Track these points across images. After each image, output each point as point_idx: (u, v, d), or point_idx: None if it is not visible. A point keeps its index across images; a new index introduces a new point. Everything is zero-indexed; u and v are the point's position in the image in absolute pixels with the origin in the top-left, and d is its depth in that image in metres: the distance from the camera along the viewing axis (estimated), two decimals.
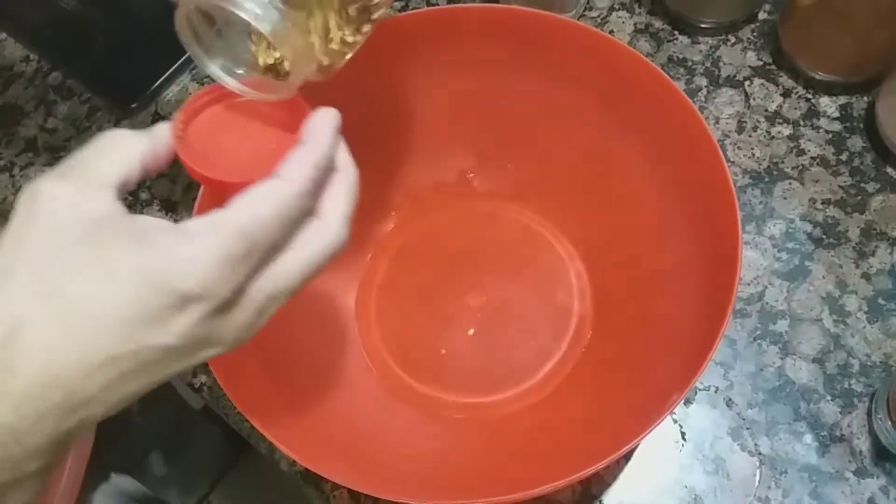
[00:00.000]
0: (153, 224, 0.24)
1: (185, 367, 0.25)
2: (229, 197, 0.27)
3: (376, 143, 0.45)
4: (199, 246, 0.23)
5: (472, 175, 0.49)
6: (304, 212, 0.26)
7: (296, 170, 0.25)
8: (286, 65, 0.29)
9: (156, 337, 0.23)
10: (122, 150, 0.26)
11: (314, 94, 0.42)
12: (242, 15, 0.26)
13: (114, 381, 0.23)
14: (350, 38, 0.31)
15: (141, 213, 0.51)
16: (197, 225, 0.24)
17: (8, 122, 0.56)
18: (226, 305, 0.24)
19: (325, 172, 0.26)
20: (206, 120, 0.29)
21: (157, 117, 0.55)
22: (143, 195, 0.52)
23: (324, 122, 0.27)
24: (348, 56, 0.32)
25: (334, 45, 0.31)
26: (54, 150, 0.55)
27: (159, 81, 0.55)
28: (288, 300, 0.26)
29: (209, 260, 0.23)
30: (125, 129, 0.27)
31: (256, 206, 0.24)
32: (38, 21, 0.60)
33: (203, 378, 0.47)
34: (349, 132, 0.45)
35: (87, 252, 0.23)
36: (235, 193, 0.26)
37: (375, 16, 0.32)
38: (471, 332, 0.46)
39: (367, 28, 0.32)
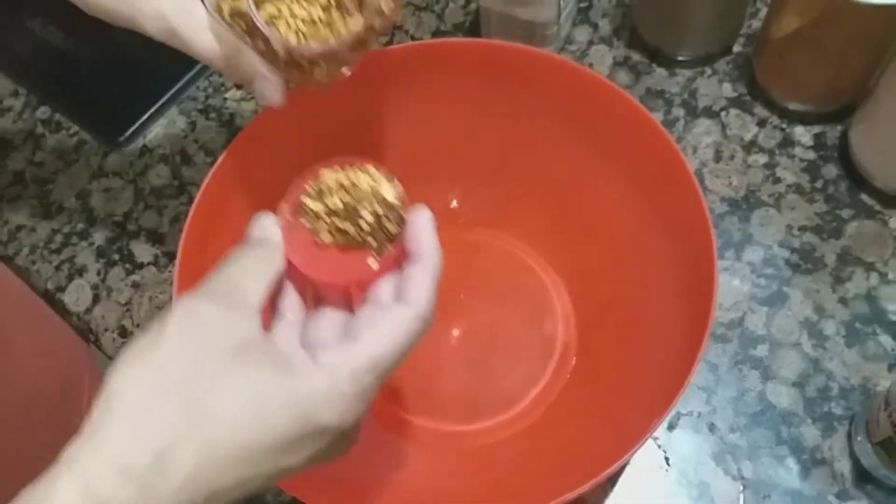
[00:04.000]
0: (292, 352, 0.26)
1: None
2: (333, 293, 0.29)
3: None
4: (338, 381, 0.25)
5: (456, 204, 0.50)
6: (414, 345, 0.27)
7: (420, 294, 0.27)
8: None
9: (287, 460, 0.24)
10: (265, 273, 0.27)
11: (303, 126, 0.43)
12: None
13: (235, 499, 0.24)
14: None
15: (128, 245, 0.52)
16: (334, 358, 0.25)
17: None
18: (350, 429, 0.26)
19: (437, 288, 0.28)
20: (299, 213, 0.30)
21: (145, 150, 0.55)
22: (131, 227, 0.53)
23: (429, 230, 0.28)
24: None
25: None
26: (42, 183, 0.55)
27: (147, 115, 0.56)
28: None
29: (346, 395, 0.25)
30: (264, 249, 0.28)
31: (388, 339, 0.26)
32: (27, 55, 0.61)
33: None
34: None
35: (239, 377, 0.24)
36: (337, 290, 0.29)
37: None
38: (457, 360, 0.46)
39: None
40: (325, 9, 0.31)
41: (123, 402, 0.23)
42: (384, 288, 0.28)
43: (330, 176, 0.30)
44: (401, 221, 0.29)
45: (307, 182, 0.30)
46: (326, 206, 0.29)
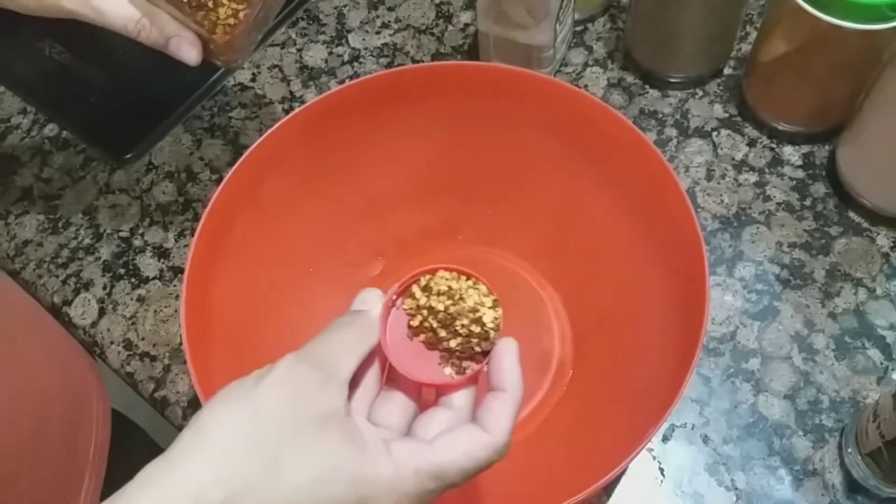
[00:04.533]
0: (368, 433, 0.27)
1: None
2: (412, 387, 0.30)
3: (364, 191, 0.47)
4: (402, 476, 0.26)
5: (456, 221, 0.51)
6: (479, 470, 0.28)
7: (499, 428, 0.28)
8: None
9: None
10: (360, 348, 0.29)
11: (307, 146, 0.44)
12: None
13: None
14: None
15: (134, 260, 0.53)
16: (405, 452, 0.27)
17: (4, 172, 0.57)
18: None
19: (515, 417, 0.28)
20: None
21: (151, 167, 0.57)
22: (136, 242, 0.54)
23: (513, 364, 0.29)
24: None
25: None
26: (49, 199, 0.56)
27: (153, 133, 0.57)
28: None
29: (405, 492, 0.26)
30: (363, 324, 0.30)
31: (459, 455, 0.27)
32: (34, 74, 0.62)
33: None
34: (341, 181, 0.48)
35: (317, 446, 0.25)
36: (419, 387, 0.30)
37: None
38: None
39: None
40: None
41: (213, 437, 0.25)
42: (461, 396, 0.30)
43: (444, 278, 0.31)
44: (489, 346, 0.30)
45: (424, 274, 0.32)
46: (430, 303, 0.31)
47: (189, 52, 0.36)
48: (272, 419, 0.25)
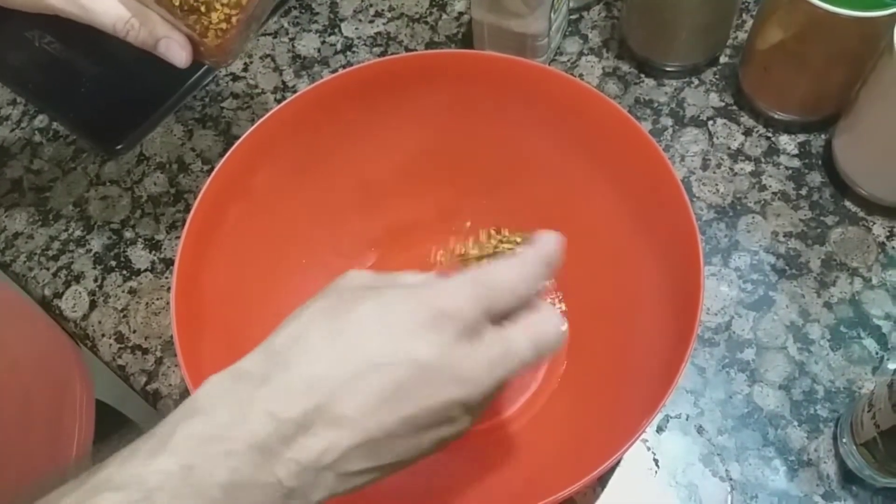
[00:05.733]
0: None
1: (424, 442, 0.28)
2: None
3: (357, 181, 0.47)
4: (455, 284, 0.29)
5: (449, 211, 0.50)
6: (529, 290, 0.30)
7: (527, 254, 0.31)
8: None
9: (414, 345, 0.26)
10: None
11: (299, 135, 0.43)
12: None
13: (368, 403, 0.26)
14: None
15: (125, 252, 0.52)
16: (456, 277, 0.29)
17: None
18: (470, 331, 0.28)
19: (550, 267, 0.31)
20: None
21: (142, 158, 0.56)
22: (128, 234, 0.53)
23: (550, 235, 0.32)
24: None
25: None
26: (39, 191, 0.56)
27: (144, 124, 0.57)
28: (513, 374, 0.29)
29: (460, 293, 0.28)
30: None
31: (504, 264, 0.30)
32: (24, 65, 0.61)
33: None
34: (334, 171, 0.47)
35: (370, 293, 0.28)
36: None
37: None
38: None
39: None
40: None
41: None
42: None
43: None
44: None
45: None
46: (466, 251, 0.34)
47: (178, 54, 0.36)
48: (329, 294, 0.29)
